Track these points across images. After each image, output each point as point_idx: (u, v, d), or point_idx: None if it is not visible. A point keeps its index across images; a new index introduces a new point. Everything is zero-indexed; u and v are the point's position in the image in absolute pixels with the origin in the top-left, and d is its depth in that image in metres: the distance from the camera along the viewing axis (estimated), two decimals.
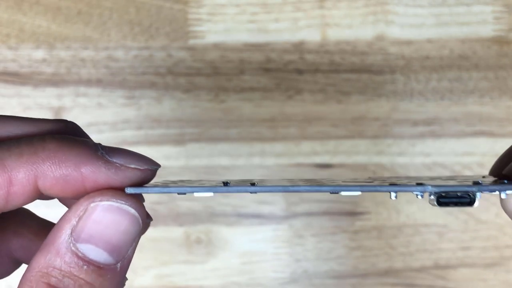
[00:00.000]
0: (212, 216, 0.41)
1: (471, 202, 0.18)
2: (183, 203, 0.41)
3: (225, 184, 0.19)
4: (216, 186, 0.19)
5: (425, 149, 0.42)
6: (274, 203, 0.41)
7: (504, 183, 0.18)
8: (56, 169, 0.18)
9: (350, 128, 0.42)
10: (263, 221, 0.41)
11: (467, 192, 0.18)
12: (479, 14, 0.42)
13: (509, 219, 0.20)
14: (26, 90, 0.42)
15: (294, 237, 0.41)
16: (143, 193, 0.19)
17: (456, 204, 0.18)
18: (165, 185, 0.19)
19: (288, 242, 0.41)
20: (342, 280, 0.41)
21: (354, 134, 0.42)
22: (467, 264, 0.41)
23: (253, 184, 0.19)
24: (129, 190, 0.18)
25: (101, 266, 0.18)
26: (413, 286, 0.41)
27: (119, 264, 0.18)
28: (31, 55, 0.42)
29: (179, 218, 0.41)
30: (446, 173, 0.42)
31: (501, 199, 0.19)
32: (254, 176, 0.41)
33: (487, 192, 0.18)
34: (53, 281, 0.17)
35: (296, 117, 0.42)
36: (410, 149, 0.42)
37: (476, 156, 0.42)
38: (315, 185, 0.19)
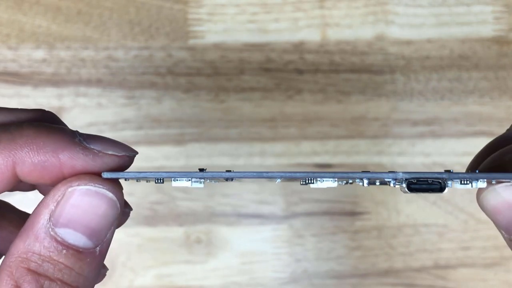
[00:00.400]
0: (212, 216, 0.41)
1: (441, 189, 0.19)
2: (183, 203, 0.41)
3: (201, 170, 0.19)
4: (191, 172, 0.19)
5: (425, 149, 0.42)
6: (274, 203, 0.41)
7: (475, 172, 0.19)
8: (34, 155, 0.18)
9: (350, 128, 0.42)
10: (263, 221, 0.41)
11: (437, 179, 0.19)
12: (479, 14, 0.42)
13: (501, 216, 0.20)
14: (26, 90, 0.42)
15: (294, 237, 0.41)
16: (119, 178, 0.19)
17: (426, 190, 0.19)
18: (141, 171, 0.19)
19: (288, 242, 0.41)
20: (342, 280, 0.41)
21: (354, 134, 0.42)
22: (467, 264, 0.41)
23: (228, 171, 0.19)
24: (105, 175, 0.18)
25: (80, 250, 0.18)
26: (413, 286, 0.41)
27: (98, 247, 0.18)
28: (31, 55, 0.42)
29: (179, 218, 0.41)
30: None
31: (477, 196, 0.20)
32: None
33: (457, 179, 0.19)
34: (32, 266, 0.17)
35: (296, 117, 0.42)
36: (410, 149, 0.42)
37: None
38: (289, 172, 0.19)
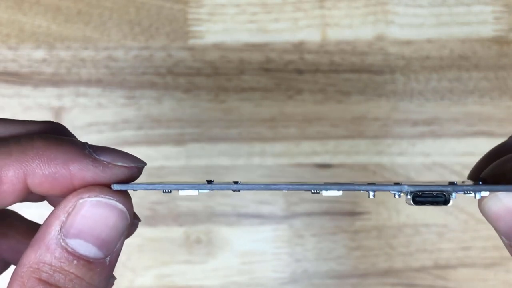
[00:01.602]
0: (212, 216, 0.41)
1: (445, 202, 0.19)
2: (183, 203, 0.41)
3: (209, 182, 0.19)
4: (200, 183, 0.19)
5: (425, 149, 0.42)
6: (274, 203, 0.41)
7: (479, 184, 0.19)
8: (45, 167, 0.18)
9: (350, 128, 0.42)
10: (263, 221, 0.41)
11: (442, 192, 0.19)
12: (479, 14, 0.42)
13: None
14: (26, 90, 0.42)
15: (294, 237, 0.41)
16: (129, 189, 0.19)
17: (431, 203, 0.19)
18: (151, 183, 0.19)
19: (288, 242, 0.41)
20: (342, 280, 0.41)
21: (354, 134, 0.42)
22: (467, 264, 0.41)
23: (236, 183, 0.19)
24: (115, 187, 0.19)
25: (91, 260, 0.18)
26: (413, 286, 0.41)
27: (108, 258, 0.18)
28: (31, 55, 0.42)
29: (179, 218, 0.41)
30: (446, 173, 0.41)
31: (478, 202, 0.20)
32: (254, 176, 0.41)
33: (462, 192, 0.19)
34: (44, 276, 0.17)
35: (296, 117, 0.42)
36: (410, 149, 0.42)
37: (476, 156, 0.41)
38: (295, 183, 0.19)
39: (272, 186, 0.19)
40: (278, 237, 0.41)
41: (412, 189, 0.19)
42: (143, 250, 0.41)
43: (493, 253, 0.41)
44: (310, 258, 0.41)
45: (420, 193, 0.19)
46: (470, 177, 0.23)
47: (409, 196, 0.19)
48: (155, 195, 0.41)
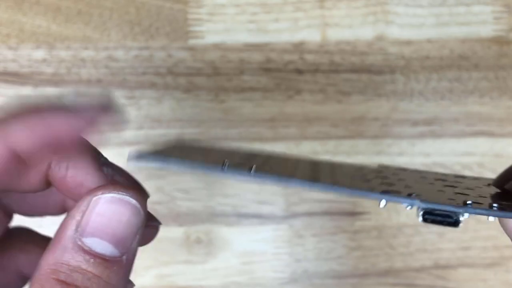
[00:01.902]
0: (212, 216, 0.41)
1: (455, 223, 0.18)
2: (183, 203, 0.41)
3: (224, 164, 0.19)
4: (214, 166, 0.18)
5: (425, 149, 0.42)
6: (274, 203, 0.41)
7: (493, 207, 0.18)
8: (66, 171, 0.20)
9: (350, 128, 0.42)
10: (263, 221, 0.41)
11: (454, 213, 0.18)
12: (479, 14, 0.42)
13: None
14: (26, 90, 0.42)
15: (294, 237, 0.41)
16: (143, 164, 0.19)
17: (440, 222, 0.18)
18: (165, 160, 0.19)
19: (288, 242, 0.41)
20: (342, 280, 0.41)
21: (354, 134, 0.42)
22: (467, 264, 0.41)
23: (250, 169, 0.18)
24: (131, 158, 0.18)
25: (107, 258, 0.18)
26: (413, 286, 0.41)
27: (124, 256, 0.19)
28: (31, 55, 0.42)
29: (179, 218, 0.41)
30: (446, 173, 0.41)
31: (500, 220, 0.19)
32: None
33: (474, 214, 0.18)
34: (62, 276, 0.17)
35: (296, 117, 0.42)
36: (410, 149, 0.42)
37: (476, 156, 0.42)
38: (310, 180, 0.18)
39: (284, 181, 0.18)
40: (278, 237, 0.41)
41: (424, 205, 0.18)
42: (143, 250, 0.41)
43: (493, 253, 0.41)
44: (310, 258, 0.41)
45: (430, 211, 0.18)
46: (495, 183, 0.22)
47: (420, 211, 0.18)
48: (156, 195, 0.41)
